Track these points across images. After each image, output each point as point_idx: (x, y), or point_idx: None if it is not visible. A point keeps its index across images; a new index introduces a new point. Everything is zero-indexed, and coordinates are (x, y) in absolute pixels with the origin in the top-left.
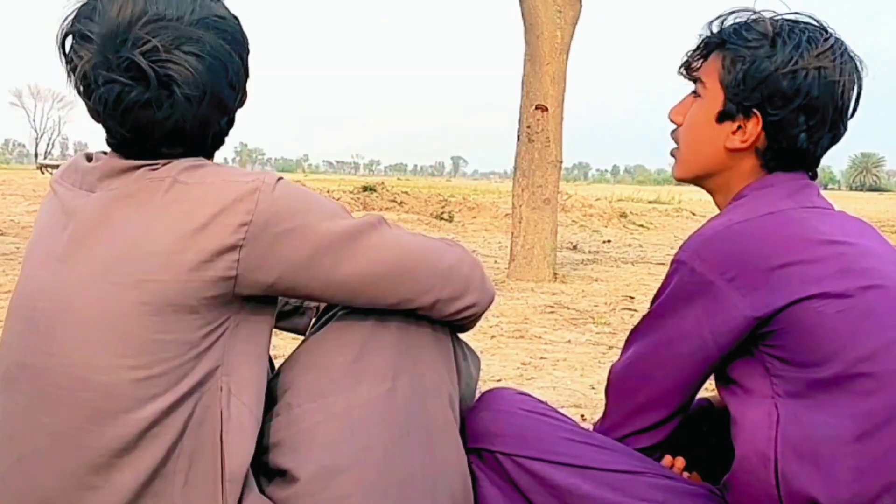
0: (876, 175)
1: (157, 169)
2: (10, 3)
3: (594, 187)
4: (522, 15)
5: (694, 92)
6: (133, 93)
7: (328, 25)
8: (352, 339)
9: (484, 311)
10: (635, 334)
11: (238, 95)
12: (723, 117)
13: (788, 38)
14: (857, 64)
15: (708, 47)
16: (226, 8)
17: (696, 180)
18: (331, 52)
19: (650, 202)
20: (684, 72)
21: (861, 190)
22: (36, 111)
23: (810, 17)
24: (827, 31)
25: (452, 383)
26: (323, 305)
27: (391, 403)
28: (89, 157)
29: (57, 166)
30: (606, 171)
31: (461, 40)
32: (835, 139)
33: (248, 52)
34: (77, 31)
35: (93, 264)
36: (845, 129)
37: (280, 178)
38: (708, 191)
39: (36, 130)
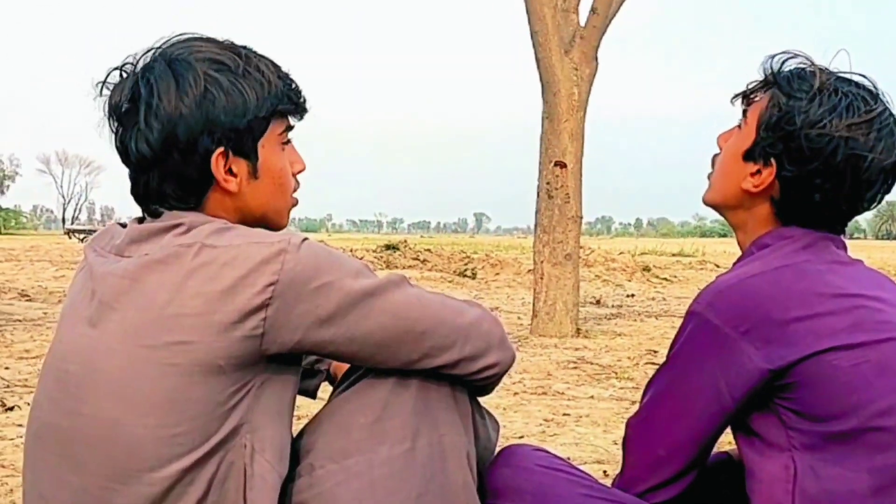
0: None
1: (185, 234)
2: (38, 72)
3: (617, 241)
4: (539, 73)
5: (738, 123)
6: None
7: (348, 88)
8: (373, 400)
9: (506, 371)
10: (651, 386)
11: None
12: (748, 156)
13: (828, 98)
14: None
15: (764, 84)
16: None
17: (719, 209)
18: (353, 110)
19: (673, 255)
20: (740, 100)
21: (887, 239)
22: (63, 177)
23: (868, 80)
24: (876, 102)
25: (471, 444)
26: (332, 369)
27: (411, 463)
28: (123, 225)
29: (84, 231)
30: (630, 224)
31: (481, 97)
32: (856, 210)
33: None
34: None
35: (122, 327)
36: (872, 203)
37: (305, 239)
38: (730, 224)
39: (63, 196)
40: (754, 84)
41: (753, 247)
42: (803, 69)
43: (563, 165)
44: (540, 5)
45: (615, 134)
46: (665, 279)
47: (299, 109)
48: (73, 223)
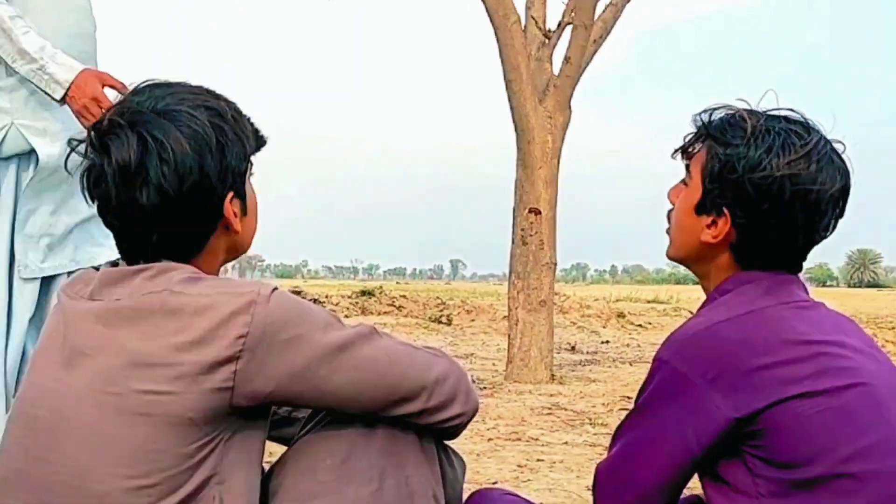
0: (874, 271)
1: (155, 277)
2: None
3: (593, 288)
4: (514, 121)
5: (683, 179)
6: (96, 167)
7: (324, 135)
8: (339, 442)
9: (469, 421)
10: (620, 433)
11: (206, 200)
12: (700, 210)
13: (762, 140)
14: (841, 167)
15: (699, 137)
16: (213, 110)
17: (683, 263)
18: (329, 160)
19: (649, 302)
20: (679, 156)
21: (859, 286)
22: None
23: (797, 113)
24: (809, 133)
25: (438, 485)
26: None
27: (379, 503)
28: (97, 268)
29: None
30: (605, 271)
31: (457, 144)
32: (813, 241)
33: (225, 160)
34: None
35: (92, 374)
36: (827, 231)
37: (275, 289)
38: (695, 274)
39: None
40: (690, 137)
41: (716, 292)
42: (733, 115)
43: (537, 212)
44: (514, 54)
45: (590, 180)
46: (640, 326)
47: (264, 144)
48: None
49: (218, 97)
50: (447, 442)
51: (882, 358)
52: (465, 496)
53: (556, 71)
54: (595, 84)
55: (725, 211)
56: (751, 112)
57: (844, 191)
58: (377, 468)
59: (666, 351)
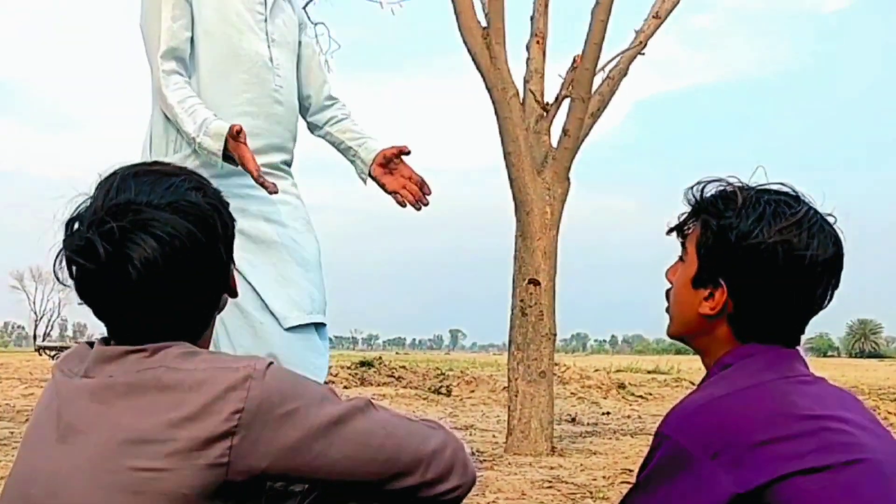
0: (875, 342)
1: (150, 356)
2: (11, 183)
3: (593, 358)
4: (513, 192)
5: (680, 256)
6: (84, 268)
7: (322, 202)
8: None
9: (466, 493)
10: None
11: (208, 279)
12: (696, 283)
13: (754, 210)
14: (833, 235)
15: (692, 214)
16: (204, 194)
17: (683, 340)
18: (327, 229)
19: (649, 372)
20: (675, 234)
21: (860, 357)
22: (36, 294)
23: (787, 186)
24: (799, 203)
25: None
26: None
27: None
28: (91, 344)
29: (55, 348)
30: (605, 341)
31: (456, 215)
32: (810, 311)
33: (222, 238)
34: (69, 219)
35: (87, 451)
36: (823, 300)
37: (270, 363)
38: (696, 351)
39: (36, 313)
40: (684, 215)
41: (716, 367)
42: (724, 190)
43: (536, 283)
44: (513, 127)
45: (588, 250)
46: (640, 397)
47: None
48: (44, 340)
49: (195, 172)
50: None
51: (883, 433)
52: None
53: (554, 143)
54: (593, 154)
55: (722, 282)
56: (741, 186)
57: (837, 258)
58: None
59: (667, 426)
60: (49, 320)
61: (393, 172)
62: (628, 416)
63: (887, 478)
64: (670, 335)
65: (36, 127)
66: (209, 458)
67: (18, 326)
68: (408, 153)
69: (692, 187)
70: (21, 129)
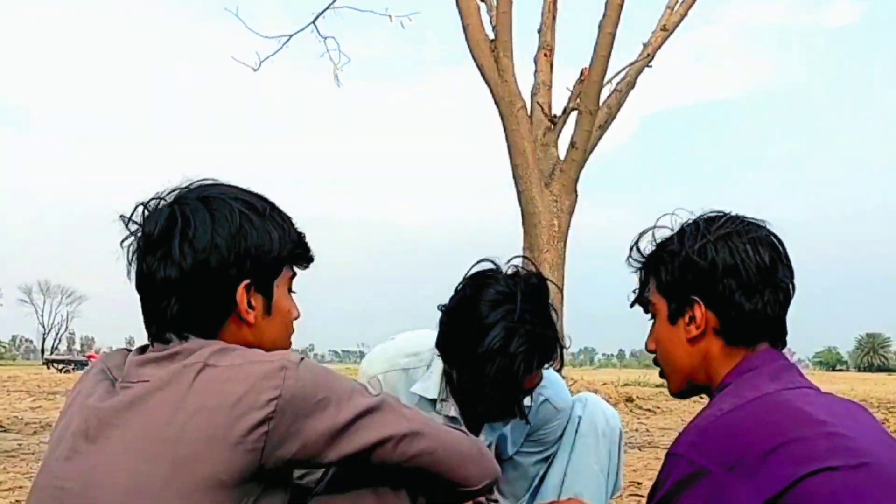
0: (883, 356)
1: (187, 357)
2: (19, 200)
3: (601, 372)
4: (520, 205)
5: (651, 317)
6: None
7: (325, 223)
8: None
9: (486, 485)
10: None
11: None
12: (673, 317)
13: (690, 228)
14: (761, 227)
15: (644, 270)
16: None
17: (690, 387)
18: (332, 242)
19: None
20: (642, 307)
21: (869, 370)
22: (44, 307)
23: (709, 210)
24: (723, 213)
25: None
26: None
27: None
28: (132, 350)
29: (63, 361)
30: (612, 354)
31: (464, 230)
32: (780, 297)
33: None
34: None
35: (124, 444)
36: (787, 284)
37: (303, 358)
38: (703, 391)
39: (44, 326)
40: (638, 282)
41: (718, 389)
42: (659, 238)
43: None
44: (520, 139)
45: (597, 263)
46: (648, 410)
47: (308, 257)
48: (52, 353)
49: (264, 199)
50: None
51: (889, 440)
52: None
53: (561, 155)
54: (601, 167)
55: (695, 299)
56: (666, 224)
57: (779, 244)
58: None
59: (680, 446)
60: (57, 334)
61: None
62: (636, 430)
63: (890, 483)
64: (673, 392)
65: (45, 145)
66: (246, 444)
67: (27, 340)
68: None
69: (629, 257)
70: (29, 144)
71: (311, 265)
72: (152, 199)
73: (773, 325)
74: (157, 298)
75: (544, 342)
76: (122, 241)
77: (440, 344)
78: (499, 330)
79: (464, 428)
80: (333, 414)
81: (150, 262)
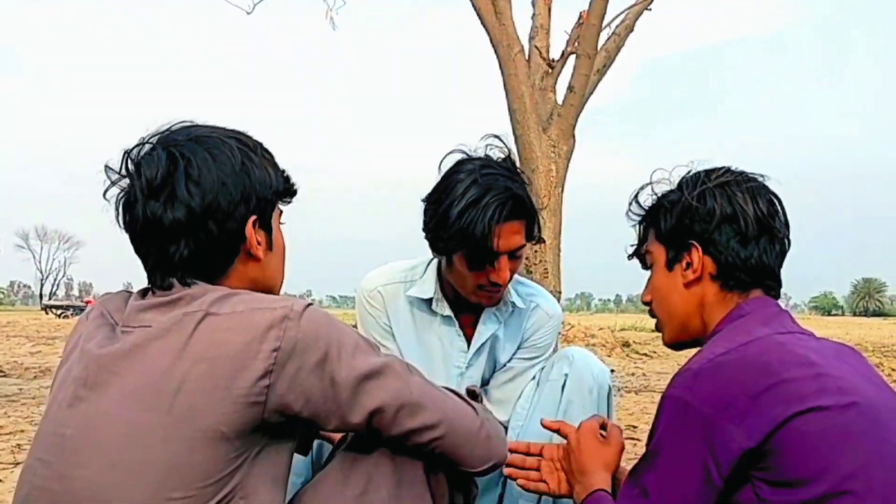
0: (879, 300)
1: (189, 304)
2: (16, 146)
3: (597, 317)
4: (518, 150)
5: (648, 268)
6: (127, 189)
7: (322, 172)
8: (357, 474)
9: (487, 469)
10: (638, 477)
11: (229, 222)
12: (671, 263)
13: (689, 177)
14: (760, 181)
15: (646, 223)
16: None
17: (685, 335)
18: (330, 190)
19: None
20: (639, 261)
21: (864, 315)
22: (42, 253)
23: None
24: (723, 167)
25: None
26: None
27: None
28: (131, 294)
29: (61, 306)
30: (609, 300)
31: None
32: (776, 247)
33: (253, 194)
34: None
35: (122, 393)
36: (783, 235)
37: (308, 305)
38: (699, 341)
39: (41, 272)
40: (637, 236)
41: (711, 334)
42: (657, 193)
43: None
44: (518, 84)
45: (594, 209)
46: (645, 354)
47: (294, 192)
48: (50, 299)
49: (249, 136)
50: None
51: (879, 381)
52: None
53: (559, 100)
54: (600, 115)
55: (692, 243)
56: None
57: (776, 199)
58: (395, 500)
59: (673, 389)
60: (55, 279)
61: None
62: (633, 374)
63: (879, 422)
64: (668, 342)
65: (39, 90)
66: (247, 395)
67: (25, 285)
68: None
69: (628, 210)
70: (24, 92)
71: (303, 213)
72: (136, 145)
73: (768, 274)
74: (163, 243)
75: (517, 196)
76: (105, 192)
77: (424, 226)
78: (473, 189)
79: (474, 402)
80: (335, 372)
81: (153, 207)
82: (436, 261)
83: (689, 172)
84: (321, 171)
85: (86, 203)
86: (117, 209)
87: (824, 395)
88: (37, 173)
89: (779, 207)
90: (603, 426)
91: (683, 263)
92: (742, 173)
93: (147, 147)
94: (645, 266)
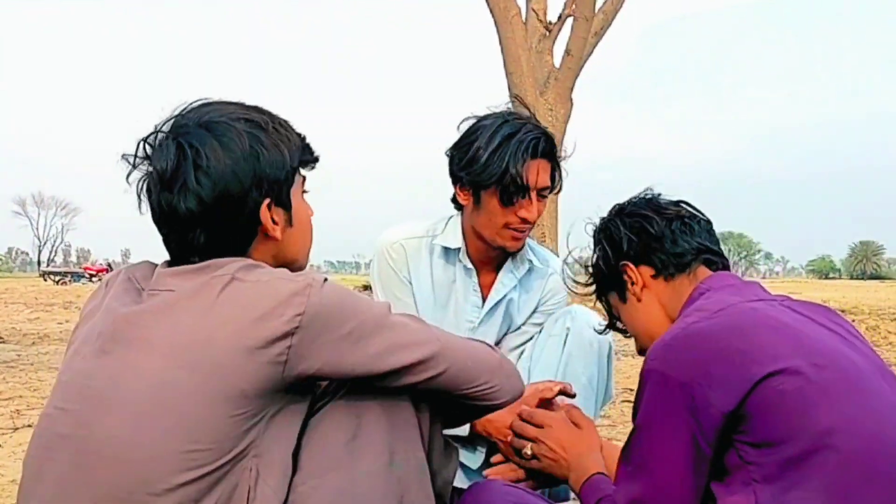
0: (876, 263)
1: (215, 270)
2: (13, 111)
3: None
4: None
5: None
6: (145, 176)
7: (321, 135)
8: (347, 419)
9: (502, 397)
10: (629, 455)
11: (251, 203)
12: (622, 295)
13: (596, 231)
14: (650, 195)
15: (605, 300)
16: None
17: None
18: (329, 154)
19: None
20: (603, 303)
21: (862, 278)
22: (39, 219)
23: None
24: (611, 208)
25: (434, 462)
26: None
27: (389, 477)
28: (158, 264)
29: (59, 273)
30: None
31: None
32: (689, 226)
33: (266, 178)
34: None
35: (150, 348)
36: (692, 214)
37: (326, 279)
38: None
39: (39, 238)
40: (607, 311)
41: (684, 307)
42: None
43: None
44: (515, 46)
45: (591, 174)
46: None
47: (315, 158)
48: (48, 265)
49: (262, 111)
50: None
51: (856, 341)
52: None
53: (556, 63)
54: (599, 81)
55: (622, 265)
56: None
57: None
58: (386, 444)
59: (651, 362)
60: (53, 246)
61: None
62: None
63: (860, 377)
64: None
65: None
66: (270, 356)
67: (22, 252)
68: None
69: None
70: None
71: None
72: (151, 133)
73: (701, 250)
74: (182, 231)
75: (548, 135)
76: (128, 176)
77: (453, 170)
78: (505, 127)
79: (490, 342)
80: (357, 336)
81: (167, 197)
82: (456, 217)
83: (594, 228)
84: (324, 134)
85: (83, 170)
86: (139, 196)
87: (799, 355)
88: (32, 138)
89: (674, 202)
90: (564, 394)
91: (628, 284)
92: (632, 198)
93: (160, 136)
94: (619, 323)
